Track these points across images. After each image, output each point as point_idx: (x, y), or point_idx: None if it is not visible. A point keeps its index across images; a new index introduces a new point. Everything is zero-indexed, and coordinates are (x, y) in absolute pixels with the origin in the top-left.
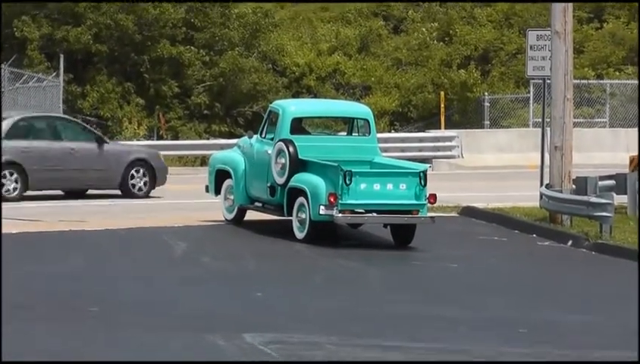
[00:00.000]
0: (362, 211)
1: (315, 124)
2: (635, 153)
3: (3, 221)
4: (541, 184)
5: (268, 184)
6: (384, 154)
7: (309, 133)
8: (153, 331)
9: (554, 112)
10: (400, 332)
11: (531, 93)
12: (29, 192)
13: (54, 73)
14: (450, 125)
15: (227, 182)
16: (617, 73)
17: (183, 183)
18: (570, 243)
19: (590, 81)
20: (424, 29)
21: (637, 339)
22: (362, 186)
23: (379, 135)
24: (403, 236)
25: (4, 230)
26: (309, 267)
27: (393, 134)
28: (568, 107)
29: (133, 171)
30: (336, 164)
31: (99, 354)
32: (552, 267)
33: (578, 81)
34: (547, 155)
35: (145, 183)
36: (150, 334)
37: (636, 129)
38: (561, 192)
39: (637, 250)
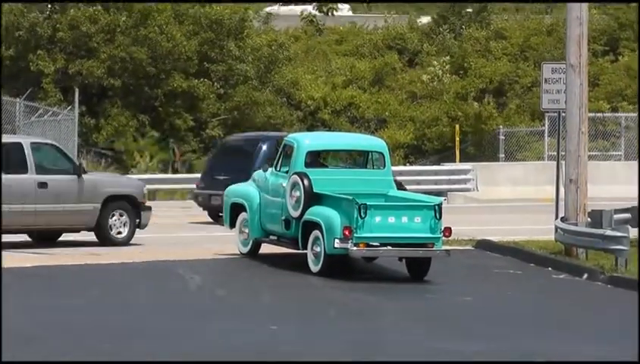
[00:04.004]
0: (377, 244)
1: (330, 157)
2: None
3: (17, 254)
4: (556, 217)
5: (283, 217)
6: None
7: (323, 166)
8: None
9: (569, 145)
10: None
11: (547, 126)
12: None
13: (69, 107)
14: (465, 158)
15: (242, 215)
16: (631, 107)
17: (198, 216)
18: (585, 276)
19: (605, 114)
20: (435, 63)
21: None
22: (377, 219)
23: (394, 168)
24: (418, 269)
25: (18, 264)
26: (323, 300)
27: (408, 167)
28: (583, 140)
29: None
30: (351, 197)
31: None
32: (567, 300)
33: (593, 114)
34: (562, 188)
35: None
36: None
37: None
38: (576, 225)
39: None
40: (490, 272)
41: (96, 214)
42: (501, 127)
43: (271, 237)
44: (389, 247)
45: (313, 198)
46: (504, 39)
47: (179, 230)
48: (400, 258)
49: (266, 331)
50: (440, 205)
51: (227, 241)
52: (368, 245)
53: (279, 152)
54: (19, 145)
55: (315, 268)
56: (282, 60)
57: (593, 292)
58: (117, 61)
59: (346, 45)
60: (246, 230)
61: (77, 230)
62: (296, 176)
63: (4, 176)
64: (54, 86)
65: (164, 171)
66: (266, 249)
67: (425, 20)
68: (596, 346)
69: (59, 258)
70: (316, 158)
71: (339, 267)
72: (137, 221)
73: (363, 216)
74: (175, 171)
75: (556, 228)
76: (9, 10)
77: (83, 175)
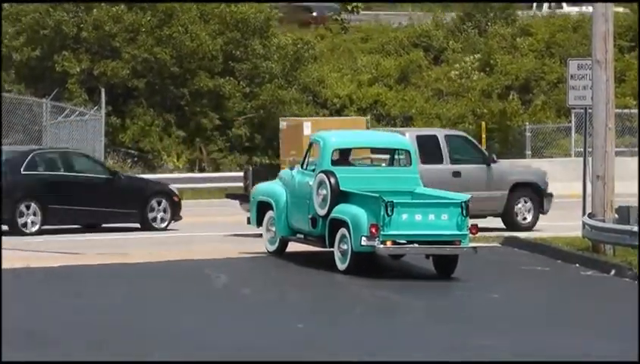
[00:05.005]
0: (404, 241)
1: (356, 155)
2: None
3: (44, 254)
4: (584, 214)
5: (310, 216)
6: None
7: (350, 164)
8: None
9: (596, 141)
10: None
11: (573, 123)
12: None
13: (95, 107)
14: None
15: (269, 214)
16: None
17: (224, 215)
18: (613, 272)
19: (632, 110)
20: (467, 59)
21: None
22: (404, 216)
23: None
24: (445, 266)
25: (44, 264)
26: (350, 298)
27: None
28: (610, 136)
29: None
30: (377, 195)
31: None
32: (595, 297)
33: (619, 110)
34: (589, 185)
35: None
36: None
37: None
38: (604, 221)
39: None
40: (517, 269)
41: (504, 200)
42: (527, 123)
43: (298, 235)
44: (416, 245)
45: (340, 196)
46: (530, 36)
47: (205, 229)
48: (427, 256)
49: (293, 330)
50: (467, 202)
51: (254, 239)
52: (395, 242)
53: (305, 150)
54: (434, 138)
55: (342, 266)
56: (307, 58)
57: (621, 288)
58: (141, 62)
59: (372, 42)
60: (273, 229)
61: (485, 216)
62: (322, 174)
63: (422, 166)
64: (79, 87)
65: (191, 171)
66: (293, 247)
67: (448, 17)
68: (623, 344)
69: (86, 258)
70: (342, 156)
71: (366, 265)
72: (540, 207)
73: (390, 214)
74: (202, 170)
75: (584, 224)
76: (34, 10)
77: (492, 164)
